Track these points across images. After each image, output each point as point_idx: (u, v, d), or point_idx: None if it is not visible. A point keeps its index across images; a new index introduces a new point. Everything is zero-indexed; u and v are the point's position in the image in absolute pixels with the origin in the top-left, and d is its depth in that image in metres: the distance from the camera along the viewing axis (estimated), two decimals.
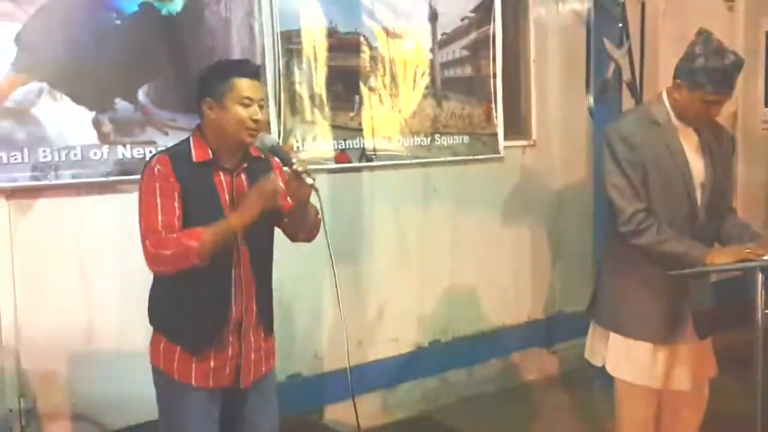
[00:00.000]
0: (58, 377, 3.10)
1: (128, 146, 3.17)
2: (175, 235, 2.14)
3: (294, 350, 3.74)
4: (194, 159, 2.25)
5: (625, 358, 2.66)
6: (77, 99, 3.06)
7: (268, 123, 3.47)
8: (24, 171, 2.94)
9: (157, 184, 2.20)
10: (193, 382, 2.29)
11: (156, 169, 2.22)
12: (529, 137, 4.63)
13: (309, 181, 2.17)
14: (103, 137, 3.12)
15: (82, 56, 3.06)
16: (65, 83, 3.03)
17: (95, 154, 3.09)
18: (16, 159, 2.92)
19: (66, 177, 3.03)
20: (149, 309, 2.44)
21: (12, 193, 2.94)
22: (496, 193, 4.49)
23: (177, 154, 2.27)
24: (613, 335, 2.70)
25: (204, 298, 2.28)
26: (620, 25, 4.47)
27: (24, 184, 2.95)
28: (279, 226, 2.44)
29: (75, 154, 3.05)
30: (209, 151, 2.26)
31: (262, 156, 2.37)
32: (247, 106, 2.22)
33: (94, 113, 3.10)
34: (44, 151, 2.98)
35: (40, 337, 3.03)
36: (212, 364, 2.31)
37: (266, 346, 2.44)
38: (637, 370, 2.64)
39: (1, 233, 2.94)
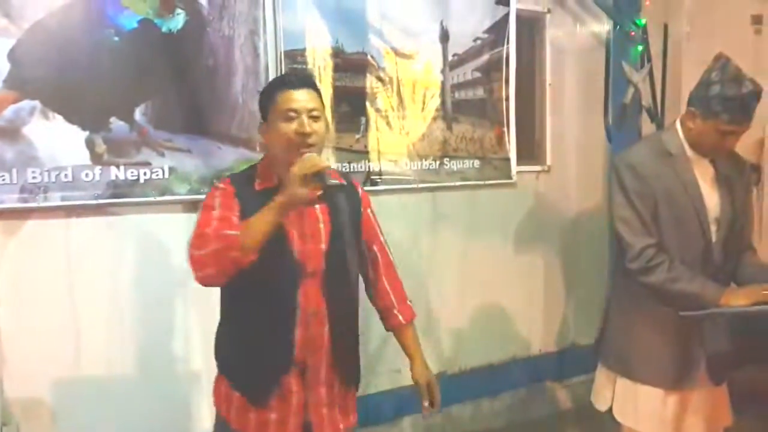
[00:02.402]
0: (43, 405, 2.99)
1: (122, 167, 3.07)
2: (216, 232, 1.92)
3: None
4: (257, 186, 2.07)
5: (633, 403, 2.50)
6: (71, 118, 2.97)
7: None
8: (12, 192, 2.85)
9: (218, 199, 2.03)
10: None
11: (219, 187, 2.08)
12: (544, 162, 4.48)
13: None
14: (96, 158, 3.02)
15: (77, 74, 2.97)
16: (59, 101, 2.94)
17: (87, 175, 2.99)
18: (3, 180, 2.83)
19: (55, 199, 2.93)
20: (214, 348, 2.26)
21: None
22: (507, 219, 4.33)
23: (240, 179, 2.11)
24: (620, 378, 2.54)
25: (263, 337, 2.08)
26: (640, 47, 4.32)
27: (11, 206, 2.85)
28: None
29: (66, 176, 2.95)
30: (275, 177, 2.07)
31: (344, 182, 2.17)
32: (291, 119, 2.01)
33: (87, 133, 3.00)
34: (33, 172, 2.88)
35: (24, 363, 2.93)
36: (273, 416, 2.09)
37: (344, 401, 2.23)
38: (645, 418, 2.48)
39: None
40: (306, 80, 2.14)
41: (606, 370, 2.62)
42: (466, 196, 4.11)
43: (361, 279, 2.34)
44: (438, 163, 3.97)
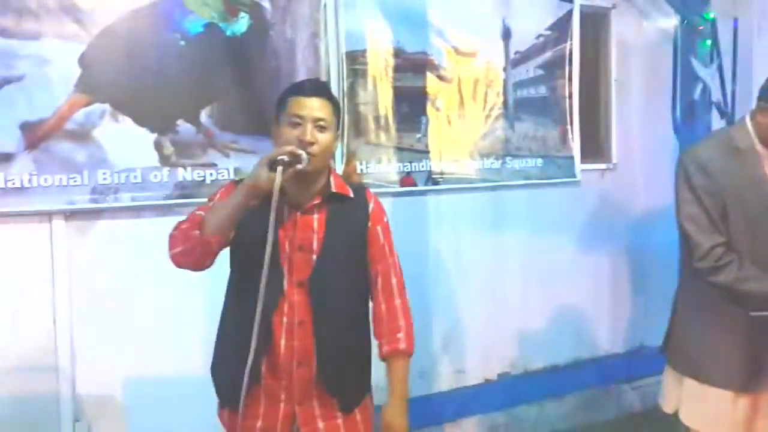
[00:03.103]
0: (114, 402, 3.07)
1: (189, 168, 3.14)
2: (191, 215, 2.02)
3: None
4: None
5: (701, 406, 2.42)
6: (139, 121, 3.05)
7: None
8: (83, 193, 2.94)
9: (218, 195, 2.10)
10: None
11: (224, 187, 2.14)
12: (609, 160, 4.41)
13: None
14: (164, 159, 3.09)
15: (145, 78, 3.05)
16: (128, 105, 3.02)
17: (155, 176, 3.07)
18: (75, 181, 2.92)
19: (125, 200, 3.01)
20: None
21: (71, 215, 2.95)
22: (572, 218, 4.27)
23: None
24: (687, 380, 2.46)
25: (239, 343, 2.01)
26: (709, 42, 4.21)
27: (83, 207, 2.94)
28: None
29: (135, 177, 3.03)
30: None
31: (351, 195, 2.14)
32: (295, 125, 1.99)
33: (155, 135, 3.08)
34: (104, 174, 2.97)
35: (96, 361, 3.02)
36: (259, 423, 2.06)
37: (349, 414, 2.13)
38: (713, 420, 2.39)
39: (60, 255, 2.94)
40: (319, 89, 2.10)
41: (673, 372, 2.55)
42: (529, 195, 4.07)
43: None
44: (500, 162, 3.94)
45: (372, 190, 2.26)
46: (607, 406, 4.38)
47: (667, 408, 2.58)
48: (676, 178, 2.43)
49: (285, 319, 2.03)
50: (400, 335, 2.15)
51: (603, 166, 4.38)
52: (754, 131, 2.35)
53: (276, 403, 2.06)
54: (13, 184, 2.82)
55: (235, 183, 2.12)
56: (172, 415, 3.13)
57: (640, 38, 4.43)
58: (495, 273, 4.00)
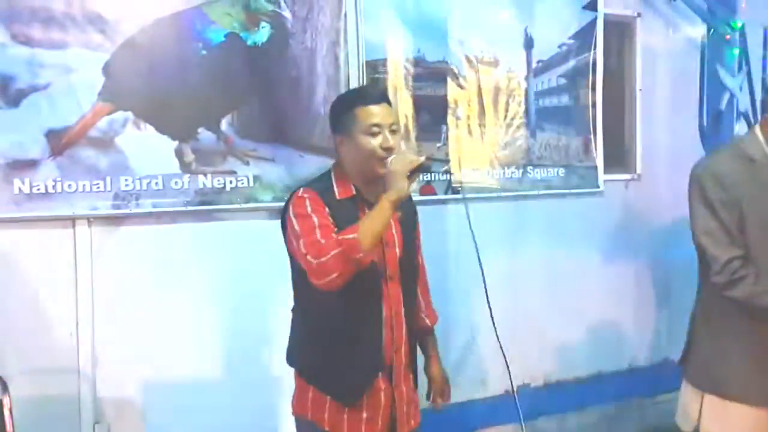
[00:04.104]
0: (133, 405, 3.11)
1: (209, 176, 3.17)
2: (332, 239, 2.00)
3: None
4: (338, 196, 2.17)
5: (721, 422, 2.36)
6: (161, 128, 3.09)
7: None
8: (106, 199, 2.98)
9: (310, 207, 2.10)
10: None
11: (306, 197, 2.13)
12: (633, 170, 4.36)
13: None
14: (185, 167, 3.14)
15: (167, 86, 3.10)
16: (150, 113, 3.07)
17: (176, 183, 3.11)
18: (98, 187, 2.96)
19: (147, 206, 3.05)
20: (291, 354, 2.34)
21: (94, 221, 3.00)
22: (594, 229, 4.23)
23: (321, 189, 2.17)
24: (707, 396, 2.40)
25: (355, 340, 2.17)
26: (736, 51, 4.16)
27: (105, 212, 2.99)
28: None
29: (156, 184, 3.07)
30: (352, 187, 2.18)
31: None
32: (375, 134, 2.12)
33: (177, 143, 3.12)
34: (126, 180, 3.01)
35: (116, 365, 3.06)
36: (365, 414, 2.19)
37: (415, 398, 2.35)
38: None
39: (83, 260, 2.99)
40: (384, 94, 2.27)
41: (692, 387, 2.48)
42: (551, 205, 4.05)
43: None
44: (521, 171, 3.92)
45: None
46: (629, 421, 4.32)
47: (685, 426, 2.51)
48: (690, 191, 2.39)
49: (384, 314, 2.19)
50: (433, 308, 2.57)
51: (627, 176, 4.34)
52: (766, 141, 2.31)
53: (378, 393, 2.21)
54: (38, 189, 2.88)
55: (317, 193, 2.15)
56: (190, 418, 3.17)
57: (665, 47, 4.40)
58: (516, 284, 3.97)
